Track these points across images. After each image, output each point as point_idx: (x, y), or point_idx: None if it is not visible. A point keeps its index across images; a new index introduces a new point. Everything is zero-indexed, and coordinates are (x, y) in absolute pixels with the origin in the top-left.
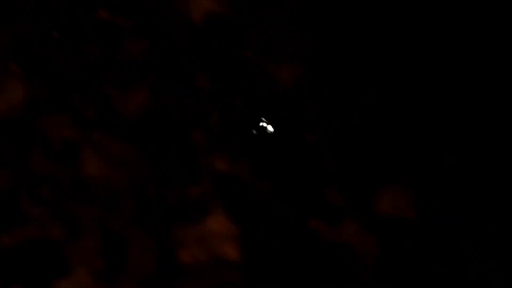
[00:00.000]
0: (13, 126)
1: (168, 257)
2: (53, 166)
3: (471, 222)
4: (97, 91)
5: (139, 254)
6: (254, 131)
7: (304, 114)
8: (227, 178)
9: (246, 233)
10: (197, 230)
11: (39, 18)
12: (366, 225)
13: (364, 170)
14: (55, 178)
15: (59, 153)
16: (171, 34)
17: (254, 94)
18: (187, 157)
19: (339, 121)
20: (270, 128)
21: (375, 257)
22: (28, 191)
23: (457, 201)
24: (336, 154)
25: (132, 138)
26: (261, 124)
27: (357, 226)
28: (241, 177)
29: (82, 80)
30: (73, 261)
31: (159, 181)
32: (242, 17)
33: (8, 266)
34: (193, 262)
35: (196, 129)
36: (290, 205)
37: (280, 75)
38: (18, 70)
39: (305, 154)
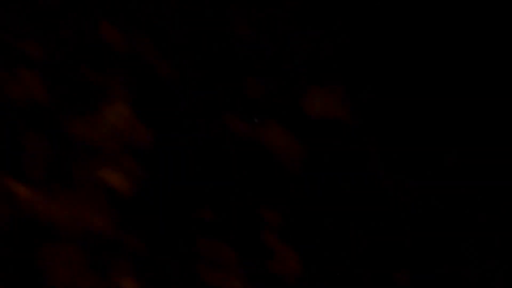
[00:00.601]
0: None
1: (65, 148)
2: None
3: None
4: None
5: (32, 150)
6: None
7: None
8: (131, 60)
9: (151, 123)
10: (96, 118)
11: None
12: (291, 128)
13: (292, 67)
14: None
15: None
16: None
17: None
18: (84, 38)
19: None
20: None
21: (301, 164)
22: None
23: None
24: (258, 45)
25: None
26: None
27: (282, 129)
28: (147, 60)
29: None
30: None
31: (52, 63)
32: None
33: None
34: (95, 150)
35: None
36: (201, 97)
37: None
38: None
39: (225, 44)
